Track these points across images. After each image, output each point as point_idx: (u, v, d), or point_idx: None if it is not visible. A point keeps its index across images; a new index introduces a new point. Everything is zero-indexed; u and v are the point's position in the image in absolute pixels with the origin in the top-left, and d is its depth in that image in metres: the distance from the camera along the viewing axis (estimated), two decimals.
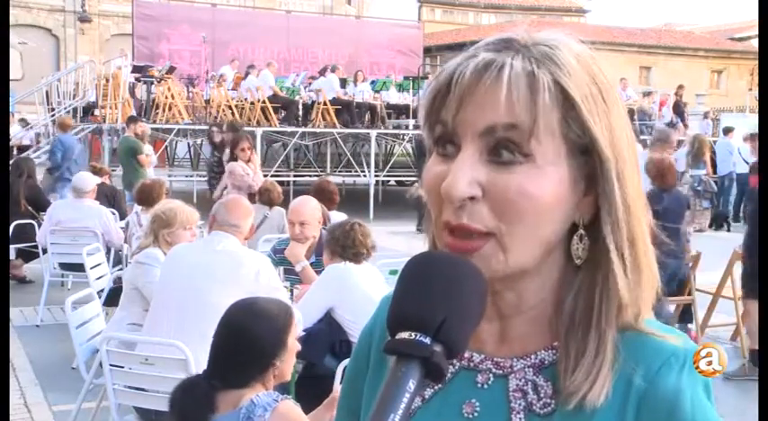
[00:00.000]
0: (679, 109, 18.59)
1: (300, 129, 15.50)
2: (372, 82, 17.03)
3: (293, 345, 2.48)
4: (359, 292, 3.72)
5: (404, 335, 0.71)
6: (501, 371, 0.84)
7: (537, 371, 0.82)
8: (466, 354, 0.86)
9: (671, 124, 16.54)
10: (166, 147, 17.47)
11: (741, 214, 13.82)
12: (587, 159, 0.78)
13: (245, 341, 2.38)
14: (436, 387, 0.86)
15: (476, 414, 0.83)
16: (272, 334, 2.41)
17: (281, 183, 8.66)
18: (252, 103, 14.87)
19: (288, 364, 2.46)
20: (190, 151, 20.58)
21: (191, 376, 2.46)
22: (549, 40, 0.80)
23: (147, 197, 6.25)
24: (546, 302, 0.83)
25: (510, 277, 0.80)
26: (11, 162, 8.93)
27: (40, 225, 7.53)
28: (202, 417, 2.28)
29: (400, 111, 16.96)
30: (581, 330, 0.80)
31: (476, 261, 0.77)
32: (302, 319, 3.41)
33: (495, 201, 0.76)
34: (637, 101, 18.62)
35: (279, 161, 16.35)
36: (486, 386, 0.84)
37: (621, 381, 0.79)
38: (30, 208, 8.23)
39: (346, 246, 3.82)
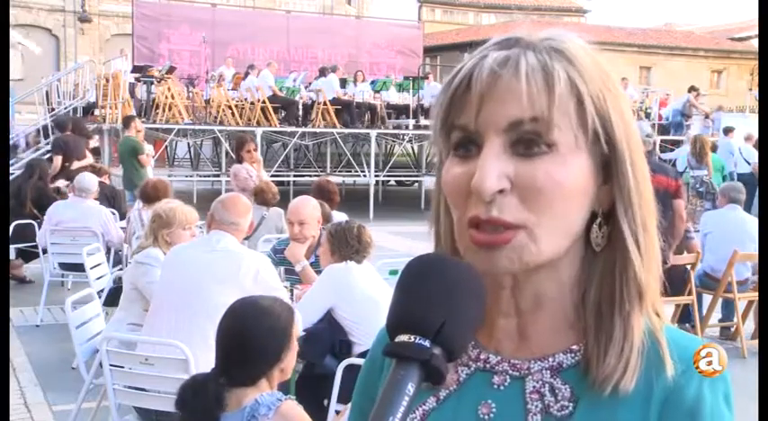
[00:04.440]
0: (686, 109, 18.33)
1: (300, 130, 15.47)
2: (372, 82, 16.98)
3: (295, 343, 2.50)
4: (359, 292, 3.72)
5: (403, 337, 0.71)
6: (518, 373, 0.84)
7: (555, 373, 0.83)
8: (482, 356, 0.86)
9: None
10: (166, 147, 17.46)
11: None
12: (604, 148, 0.80)
13: (252, 340, 2.39)
14: (452, 388, 0.86)
15: (492, 415, 0.83)
16: (278, 332, 2.42)
17: (281, 183, 8.66)
18: (252, 103, 14.86)
19: (291, 362, 2.48)
20: (190, 151, 20.59)
21: (198, 375, 2.45)
22: (553, 35, 0.82)
23: (153, 196, 6.16)
24: (565, 295, 0.84)
25: (535, 269, 0.80)
26: (24, 162, 8.88)
27: (40, 225, 7.53)
28: (213, 417, 2.28)
29: (400, 111, 16.92)
30: (607, 317, 0.81)
31: (507, 253, 0.77)
32: (302, 319, 3.41)
33: (524, 191, 0.77)
34: (636, 100, 18.57)
35: (279, 161, 16.33)
36: (502, 387, 0.84)
37: (646, 379, 0.79)
38: (34, 210, 8.20)
39: (351, 245, 3.82)
